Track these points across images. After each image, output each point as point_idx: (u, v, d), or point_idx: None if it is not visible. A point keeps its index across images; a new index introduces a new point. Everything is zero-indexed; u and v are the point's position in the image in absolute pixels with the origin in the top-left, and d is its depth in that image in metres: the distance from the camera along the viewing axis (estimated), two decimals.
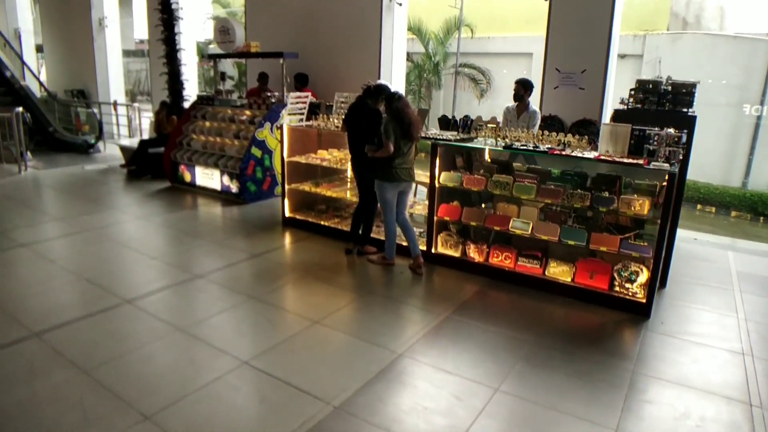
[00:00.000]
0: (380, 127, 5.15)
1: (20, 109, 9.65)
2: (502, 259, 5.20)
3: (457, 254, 5.42)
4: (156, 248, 5.82)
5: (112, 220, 6.76)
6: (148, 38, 12.20)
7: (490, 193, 5.27)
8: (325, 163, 6.43)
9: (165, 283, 4.79)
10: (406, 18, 9.17)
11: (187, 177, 8.54)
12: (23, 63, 14.52)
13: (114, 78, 14.14)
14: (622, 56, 15.13)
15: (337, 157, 6.53)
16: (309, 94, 6.73)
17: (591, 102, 7.18)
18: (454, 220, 5.41)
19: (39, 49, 17.41)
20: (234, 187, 7.87)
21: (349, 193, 6.28)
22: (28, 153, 10.46)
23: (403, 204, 5.35)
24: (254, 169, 7.74)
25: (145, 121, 11.91)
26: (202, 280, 4.90)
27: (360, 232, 5.70)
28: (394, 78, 8.91)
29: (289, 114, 6.47)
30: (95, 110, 12.03)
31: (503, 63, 16.44)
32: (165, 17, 9.84)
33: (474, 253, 5.33)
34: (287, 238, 6.26)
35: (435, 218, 5.44)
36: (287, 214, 6.66)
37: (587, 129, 7.17)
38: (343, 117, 5.67)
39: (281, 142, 6.44)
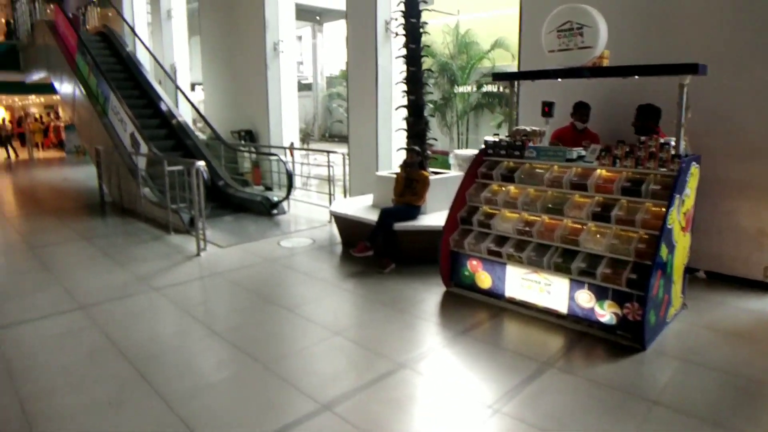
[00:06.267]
0: None
1: (202, 163, 6.65)
2: None
3: None
4: None
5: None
6: (347, 58, 9.11)
7: None
8: None
9: None
10: None
11: (484, 281, 4.97)
12: (188, 100, 12.07)
13: (288, 115, 11.27)
14: None
15: None
16: None
17: None
18: None
19: (193, 87, 15.31)
20: (607, 315, 4.18)
21: None
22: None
23: None
24: (659, 284, 4.01)
25: (338, 170, 8.63)
26: None
27: None
28: None
29: None
30: (283, 158, 8.96)
31: None
32: (411, 22, 6.54)
33: None
34: None
35: None
36: None
37: None
38: None
39: None
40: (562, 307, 4.46)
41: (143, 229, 7.96)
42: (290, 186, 8.49)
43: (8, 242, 7.66)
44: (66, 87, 12.69)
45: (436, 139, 6.92)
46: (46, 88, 17.31)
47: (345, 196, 8.40)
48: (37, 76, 16.33)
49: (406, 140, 6.71)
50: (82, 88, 10.96)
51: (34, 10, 16.11)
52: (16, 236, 7.94)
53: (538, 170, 4.93)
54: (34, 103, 28.62)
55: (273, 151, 10.14)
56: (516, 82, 5.64)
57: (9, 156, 20.73)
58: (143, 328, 4.51)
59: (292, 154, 10.44)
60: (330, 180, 8.17)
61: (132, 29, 14.55)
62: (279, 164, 9.75)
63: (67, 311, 4.86)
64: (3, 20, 21.75)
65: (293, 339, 4.22)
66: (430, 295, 5.11)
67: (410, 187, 6.07)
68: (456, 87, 18.42)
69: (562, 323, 4.43)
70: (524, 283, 4.68)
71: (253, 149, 11.01)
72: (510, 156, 5.15)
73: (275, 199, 8.81)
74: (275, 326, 4.51)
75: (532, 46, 6.34)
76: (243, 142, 11.23)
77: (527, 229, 4.72)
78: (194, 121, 13.07)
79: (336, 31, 31.28)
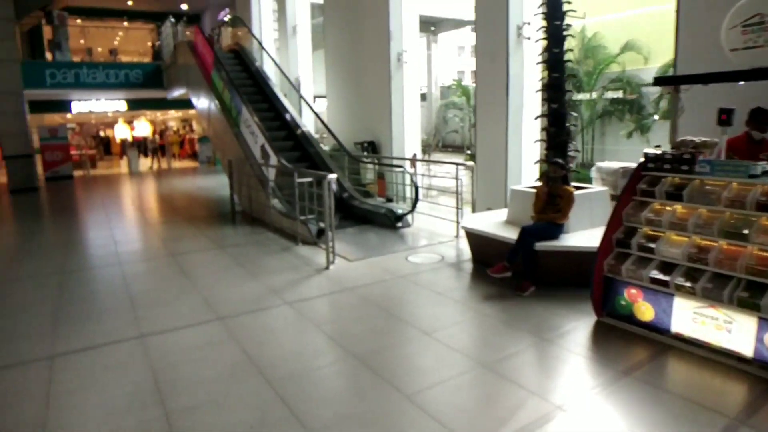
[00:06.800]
0: None
1: (333, 176, 6.62)
2: None
3: None
4: None
5: None
6: (475, 66, 8.77)
7: None
8: None
9: None
10: None
11: (645, 313, 4.39)
12: (313, 111, 12.44)
13: (411, 126, 11.13)
14: None
15: None
16: None
17: None
18: None
19: (314, 99, 15.78)
20: None
21: None
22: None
23: None
24: None
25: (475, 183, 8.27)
26: None
27: None
28: None
29: None
30: (408, 169, 8.81)
31: None
32: (554, 24, 6.07)
33: None
34: None
35: None
36: None
37: None
38: None
39: None
40: (747, 350, 3.78)
41: (272, 239, 8.12)
42: (416, 198, 8.28)
43: (152, 247, 8.16)
44: (202, 102, 13.51)
45: (578, 151, 6.36)
46: (184, 104, 18.68)
47: (473, 210, 8.03)
48: (177, 93, 17.63)
49: (545, 152, 6.23)
50: (217, 103, 11.56)
51: (176, 32, 17.45)
52: (158, 242, 8.44)
53: (710, 187, 4.28)
54: (172, 117, 31.21)
55: (396, 162, 10.03)
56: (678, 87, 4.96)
57: (152, 166, 22.67)
58: (279, 345, 4.45)
59: (414, 166, 10.26)
60: (457, 193, 7.84)
61: (261, 45, 15.25)
62: (401, 176, 9.60)
63: (207, 321, 4.94)
64: (150, 44, 23.91)
65: (435, 368, 3.93)
66: (579, 324, 4.61)
67: (552, 203, 5.58)
68: (579, 94, 17.44)
69: (746, 368, 3.76)
70: (697, 318, 4.05)
71: (376, 160, 10.98)
72: (676, 171, 4.52)
73: (400, 211, 8.64)
74: (413, 351, 4.25)
75: (693, 45, 5.65)
76: (365, 153, 11.25)
77: (701, 255, 4.09)
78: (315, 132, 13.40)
79: (450, 42, 31.00)
